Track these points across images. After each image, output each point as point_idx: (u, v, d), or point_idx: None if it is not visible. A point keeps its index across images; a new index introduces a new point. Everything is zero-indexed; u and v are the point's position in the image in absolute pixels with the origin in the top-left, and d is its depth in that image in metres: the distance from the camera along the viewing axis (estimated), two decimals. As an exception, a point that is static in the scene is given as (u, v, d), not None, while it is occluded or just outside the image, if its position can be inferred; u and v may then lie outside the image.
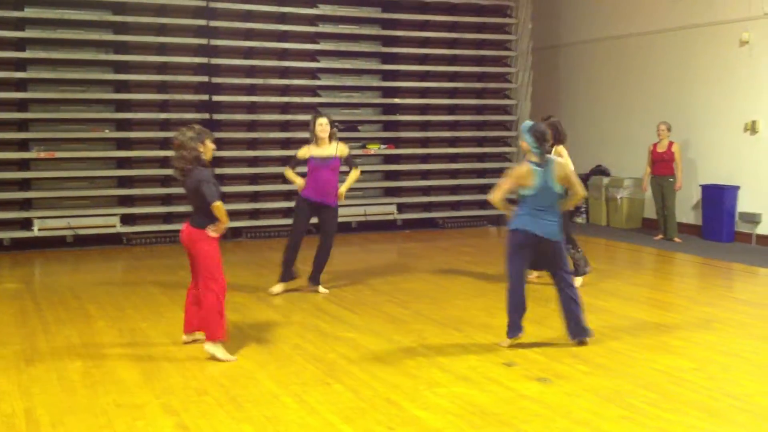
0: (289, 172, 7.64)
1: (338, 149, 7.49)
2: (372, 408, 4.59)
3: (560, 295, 5.84)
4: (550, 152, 5.79)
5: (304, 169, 7.58)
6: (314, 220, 7.68)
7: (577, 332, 5.81)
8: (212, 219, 5.56)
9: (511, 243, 5.73)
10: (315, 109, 11.79)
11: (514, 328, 5.78)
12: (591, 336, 5.85)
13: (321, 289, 7.67)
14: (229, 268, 9.00)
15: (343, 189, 7.61)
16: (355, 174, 7.68)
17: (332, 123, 7.52)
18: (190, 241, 5.60)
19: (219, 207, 5.50)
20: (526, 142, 5.64)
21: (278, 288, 7.58)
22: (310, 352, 5.70)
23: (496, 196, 5.67)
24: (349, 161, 7.62)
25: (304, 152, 7.49)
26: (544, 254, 5.75)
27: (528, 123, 5.76)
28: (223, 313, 5.57)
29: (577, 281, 7.30)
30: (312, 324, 6.53)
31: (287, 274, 7.61)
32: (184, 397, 4.78)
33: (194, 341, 5.86)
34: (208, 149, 5.64)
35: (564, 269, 5.84)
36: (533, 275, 7.82)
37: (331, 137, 7.45)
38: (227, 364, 5.41)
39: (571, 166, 6.79)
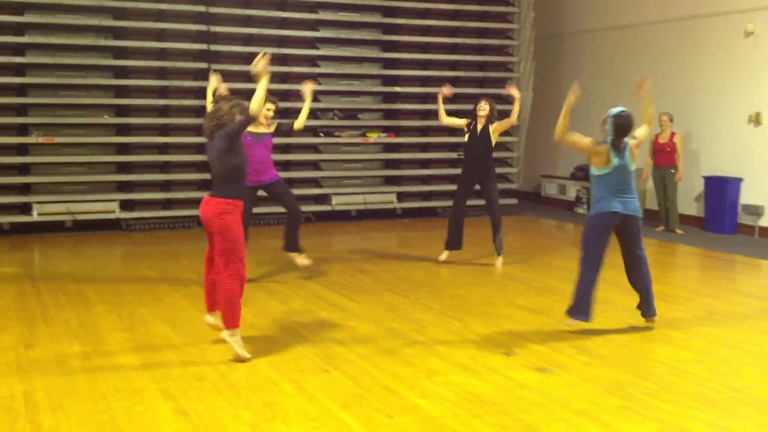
0: None
1: (272, 127, 7.46)
2: (371, 395, 4.58)
3: (636, 273, 5.94)
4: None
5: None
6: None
7: (649, 312, 6.02)
8: (236, 188, 5.23)
9: (594, 225, 5.78)
10: (317, 99, 11.75)
11: (585, 310, 5.81)
12: (656, 315, 6.04)
13: (301, 259, 7.74)
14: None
15: (300, 117, 7.62)
16: (307, 101, 7.68)
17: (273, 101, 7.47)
18: (212, 213, 5.16)
19: (259, 99, 5.27)
20: (607, 127, 5.73)
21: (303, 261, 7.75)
22: (309, 340, 5.69)
23: (560, 126, 5.79)
24: (282, 126, 7.58)
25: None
26: (627, 231, 5.81)
27: (618, 110, 5.76)
28: (241, 295, 5.23)
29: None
30: (311, 311, 6.51)
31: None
32: (182, 382, 4.76)
33: (219, 327, 5.37)
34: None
35: (640, 247, 5.92)
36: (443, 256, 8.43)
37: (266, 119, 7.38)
38: (226, 350, 5.36)
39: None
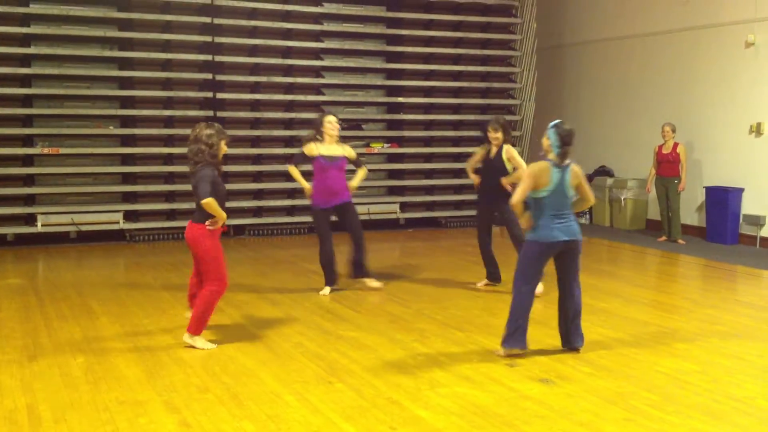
0: (295, 171, 7.57)
1: (345, 150, 7.48)
2: (374, 407, 4.59)
3: (571, 298, 5.63)
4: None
5: (308, 167, 7.55)
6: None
7: (576, 342, 5.69)
8: (211, 215, 5.63)
9: (532, 253, 5.51)
10: (321, 110, 11.80)
11: (520, 338, 5.54)
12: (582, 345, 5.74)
13: (372, 282, 7.70)
14: (231, 265, 9.01)
15: (354, 183, 7.58)
16: (362, 173, 7.66)
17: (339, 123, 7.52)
18: (192, 237, 5.67)
19: (208, 204, 5.54)
20: (550, 140, 5.49)
21: (326, 291, 7.56)
22: (312, 351, 5.70)
23: (517, 199, 5.46)
24: (357, 162, 7.62)
25: (311, 149, 7.40)
26: (566, 255, 5.54)
27: (556, 121, 5.57)
28: (212, 311, 5.81)
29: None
30: (314, 322, 6.52)
31: (331, 277, 7.58)
32: (186, 394, 4.78)
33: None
34: (221, 149, 5.70)
35: (578, 270, 5.65)
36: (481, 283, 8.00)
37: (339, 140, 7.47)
38: (230, 362, 5.41)
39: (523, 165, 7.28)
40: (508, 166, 7.56)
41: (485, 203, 7.80)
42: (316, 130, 7.42)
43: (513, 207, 5.56)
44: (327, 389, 4.88)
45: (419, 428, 4.30)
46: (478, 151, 7.84)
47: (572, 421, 4.40)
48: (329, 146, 7.39)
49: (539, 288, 7.10)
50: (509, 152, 7.55)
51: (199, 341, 5.75)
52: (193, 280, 6.06)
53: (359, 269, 7.69)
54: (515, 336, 5.53)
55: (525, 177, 5.52)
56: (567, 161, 5.52)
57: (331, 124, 7.37)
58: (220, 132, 5.67)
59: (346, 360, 5.49)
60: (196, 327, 5.73)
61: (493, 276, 7.92)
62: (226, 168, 11.19)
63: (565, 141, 5.45)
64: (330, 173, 7.35)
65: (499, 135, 7.54)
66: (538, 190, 5.46)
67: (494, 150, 7.62)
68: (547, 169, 5.45)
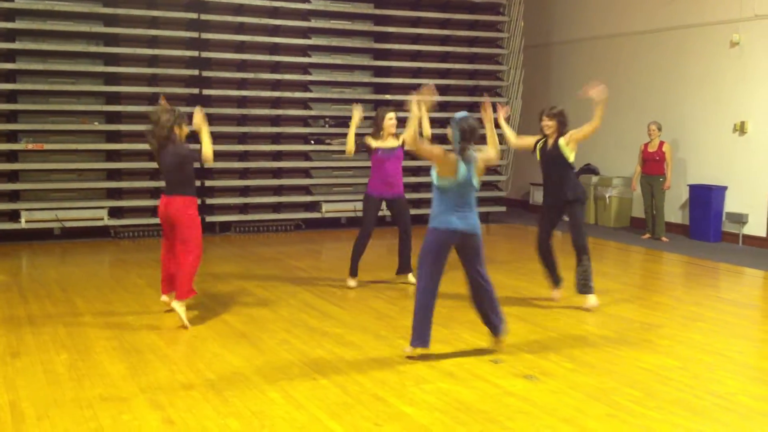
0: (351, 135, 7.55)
1: (399, 140, 7.54)
2: (359, 403, 4.60)
3: (482, 294, 5.52)
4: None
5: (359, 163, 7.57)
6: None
7: (498, 331, 5.60)
8: (194, 188, 6.34)
9: (428, 242, 5.38)
10: (308, 107, 11.79)
11: (424, 336, 5.38)
12: (506, 333, 5.65)
13: (411, 277, 7.72)
14: (217, 262, 9.05)
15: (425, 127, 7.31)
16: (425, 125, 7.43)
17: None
18: (180, 209, 6.20)
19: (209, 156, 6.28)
20: (452, 133, 5.35)
21: (353, 282, 7.67)
22: (297, 348, 5.71)
23: (410, 134, 5.30)
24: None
25: (371, 142, 7.54)
26: (466, 249, 5.44)
27: (460, 115, 5.39)
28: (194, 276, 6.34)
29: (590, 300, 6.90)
30: (299, 319, 6.53)
31: (354, 269, 7.69)
32: (170, 391, 4.77)
33: (171, 309, 6.35)
34: (183, 131, 6.37)
35: (483, 265, 5.51)
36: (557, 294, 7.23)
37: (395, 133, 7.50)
38: (214, 359, 5.40)
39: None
40: (570, 156, 6.84)
41: (551, 202, 7.02)
42: (377, 127, 7.51)
43: (407, 141, 5.39)
44: (312, 386, 4.89)
45: (404, 424, 4.32)
46: (530, 140, 7.13)
47: (555, 417, 4.43)
48: (386, 141, 7.52)
49: (593, 300, 6.86)
50: (570, 136, 6.84)
51: (184, 311, 6.16)
52: (167, 261, 6.47)
53: (402, 266, 7.78)
54: (420, 335, 5.38)
55: (439, 149, 5.33)
56: (470, 154, 5.35)
57: (391, 120, 7.47)
58: (180, 117, 6.33)
59: (331, 357, 5.50)
60: (186, 292, 6.21)
61: (552, 281, 7.20)
62: (212, 166, 11.17)
63: (467, 136, 5.33)
64: (387, 164, 7.48)
65: (552, 123, 6.85)
66: (445, 178, 5.33)
67: (550, 141, 6.91)
68: (455, 162, 5.31)
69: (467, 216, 5.38)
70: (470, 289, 5.57)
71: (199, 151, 6.27)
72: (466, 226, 5.36)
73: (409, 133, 5.35)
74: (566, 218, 7.01)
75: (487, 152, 5.59)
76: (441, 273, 5.41)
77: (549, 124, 6.90)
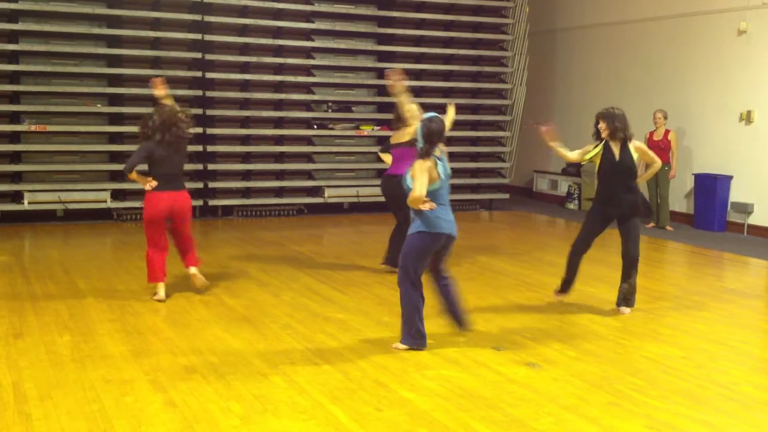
0: (386, 157, 7.73)
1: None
2: (360, 389, 4.60)
3: (444, 288, 5.55)
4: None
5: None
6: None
7: (466, 323, 5.62)
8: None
9: (419, 245, 5.27)
10: (311, 91, 11.72)
11: (420, 336, 5.35)
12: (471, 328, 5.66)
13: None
14: (219, 246, 9.04)
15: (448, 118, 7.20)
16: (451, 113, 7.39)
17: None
18: (188, 205, 6.55)
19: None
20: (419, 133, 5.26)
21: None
22: (299, 332, 5.70)
23: (420, 192, 5.12)
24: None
25: (397, 138, 7.37)
26: (444, 251, 5.41)
27: (429, 115, 5.33)
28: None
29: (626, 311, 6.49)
30: (302, 304, 6.52)
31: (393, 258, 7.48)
32: (172, 374, 4.77)
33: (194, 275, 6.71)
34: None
35: (445, 263, 5.52)
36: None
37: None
38: (217, 342, 5.40)
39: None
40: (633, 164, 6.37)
41: (604, 210, 6.46)
42: (397, 118, 7.44)
43: (418, 201, 5.15)
44: (314, 370, 4.89)
45: (405, 410, 4.31)
46: (592, 152, 6.55)
47: (558, 405, 4.43)
48: (405, 135, 7.22)
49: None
50: (638, 148, 6.41)
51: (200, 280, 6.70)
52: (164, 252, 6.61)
53: (393, 258, 7.63)
54: (415, 337, 5.34)
55: (420, 172, 5.16)
56: (439, 153, 5.26)
57: (410, 113, 7.27)
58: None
59: (333, 342, 5.50)
60: (196, 259, 6.74)
61: (564, 285, 6.74)
62: (214, 148, 11.15)
63: (431, 138, 5.20)
64: (412, 159, 7.31)
65: (605, 125, 6.39)
66: (433, 182, 5.20)
67: (616, 146, 6.41)
68: (433, 166, 5.21)
69: (450, 217, 5.33)
70: (438, 288, 5.57)
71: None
72: (453, 230, 5.33)
73: (420, 192, 5.14)
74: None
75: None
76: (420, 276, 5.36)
77: (603, 126, 6.40)
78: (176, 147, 6.39)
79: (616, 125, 6.34)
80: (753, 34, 10.61)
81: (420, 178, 5.16)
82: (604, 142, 6.45)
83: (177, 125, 6.34)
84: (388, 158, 7.70)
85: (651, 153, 6.51)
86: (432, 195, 5.22)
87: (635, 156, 6.37)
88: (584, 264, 6.88)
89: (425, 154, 5.21)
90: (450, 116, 7.20)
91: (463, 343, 5.51)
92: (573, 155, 6.65)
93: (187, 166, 10.98)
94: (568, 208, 13.04)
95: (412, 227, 5.30)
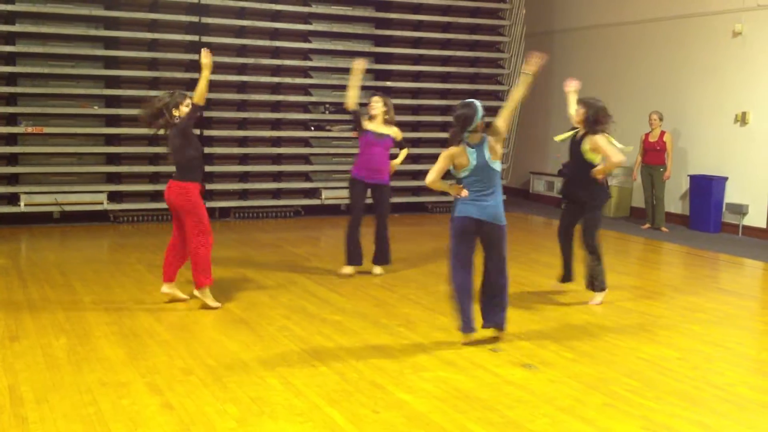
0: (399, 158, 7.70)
1: (392, 130, 7.52)
2: (357, 391, 4.60)
3: (489, 282, 5.53)
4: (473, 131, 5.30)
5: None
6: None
7: (500, 321, 5.59)
8: (195, 174, 6.16)
9: (451, 230, 5.44)
10: (308, 93, 11.73)
11: (468, 322, 5.43)
12: (504, 330, 5.65)
13: (376, 270, 7.70)
14: (216, 248, 8.98)
15: (397, 161, 7.66)
16: (405, 152, 7.77)
17: (388, 105, 7.51)
18: (179, 194, 6.11)
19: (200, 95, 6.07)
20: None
21: (347, 270, 7.58)
22: (296, 334, 5.71)
23: (430, 178, 5.34)
24: (401, 144, 7.66)
25: (365, 123, 7.50)
26: (484, 238, 5.43)
27: (467, 101, 5.38)
28: (210, 260, 6.26)
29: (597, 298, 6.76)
30: (299, 306, 6.53)
31: (352, 255, 7.58)
32: (169, 376, 4.77)
33: (173, 300, 6.45)
34: (182, 111, 6.18)
35: (502, 255, 5.48)
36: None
37: (387, 120, 7.47)
38: (213, 345, 5.41)
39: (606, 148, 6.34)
40: (592, 157, 6.50)
41: (566, 198, 6.95)
42: (369, 113, 7.54)
43: (429, 185, 5.38)
44: (311, 373, 4.89)
45: (402, 412, 4.32)
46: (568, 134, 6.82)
47: (554, 406, 4.44)
48: (378, 125, 7.46)
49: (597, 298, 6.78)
50: (593, 142, 6.46)
51: (209, 297, 6.26)
52: (172, 249, 6.37)
53: (379, 256, 7.72)
54: (460, 317, 5.46)
55: (440, 158, 5.38)
56: (481, 137, 5.32)
57: (378, 103, 7.45)
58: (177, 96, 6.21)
59: (330, 344, 5.50)
60: (203, 280, 6.20)
61: (564, 275, 7.06)
62: (212, 150, 11.15)
63: (457, 123, 5.29)
64: (375, 150, 7.45)
65: (582, 110, 6.54)
66: (461, 169, 5.33)
67: (579, 133, 6.64)
68: (462, 151, 5.29)
69: (488, 204, 5.34)
70: (483, 277, 5.58)
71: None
72: (483, 214, 5.33)
73: (430, 178, 5.34)
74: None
75: (495, 123, 5.40)
76: (468, 259, 5.40)
77: (580, 111, 6.53)
78: (168, 130, 6.23)
79: (589, 114, 6.45)
80: (748, 35, 10.64)
81: (437, 164, 5.34)
82: (576, 129, 6.66)
83: (149, 104, 6.25)
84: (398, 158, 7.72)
85: (605, 149, 6.36)
86: (461, 181, 5.36)
87: (586, 147, 6.47)
88: (579, 267, 6.91)
89: (453, 140, 5.32)
90: (399, 158, 7.68)
91: (460, 344, 5.52)
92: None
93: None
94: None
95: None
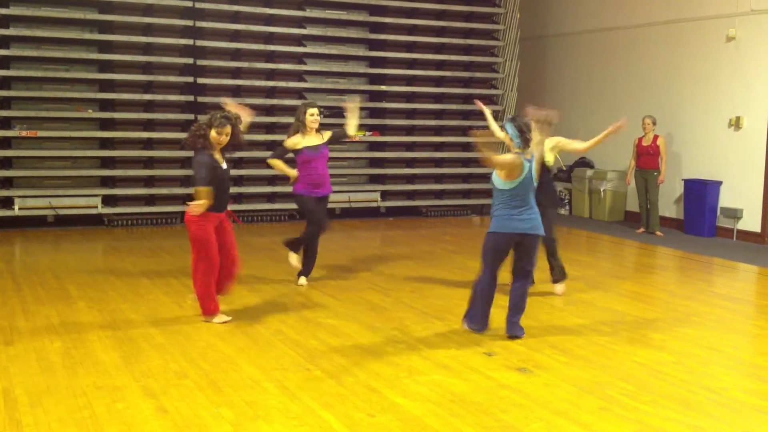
0: (278, 163, 7.37)
1: (324, 136, 7.27)
2: (352, 395, 4.60)
3: (518, 287, 5.80)
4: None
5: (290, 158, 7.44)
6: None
7: (518, 329, 5.81)
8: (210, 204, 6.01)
9: (490, 245, 5.69)
10: (303, 97, 11.73)
11: (475, 320, 5.84)
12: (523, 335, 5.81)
13: (302, 280, 7.44)
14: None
15: (352, 124, 7.33)
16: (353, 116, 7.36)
17: (321, 112, 7.37)
18: (186, 221, 6.03)
19: (200, 192, 5.83)
20: (509, 134, 5.58)
21: (302, 281, 7.40)
22: (291, 338, 5.70)
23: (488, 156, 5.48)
24: (339, 133, 7.36)
25: (293, 142, 7.19)
26: (522, 247, 5.69)
27: (512, 116, 5.78)
28: (213, 291, 6.03)
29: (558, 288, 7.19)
30: (294, 310, 6.52)
31: (307, 267, 7.43)
32: (163, 380, 4.76)
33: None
34: (219, 137, 6.08)
35: (533, 263, 5.80)
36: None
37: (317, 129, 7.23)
38: (208, 348, 5.40)
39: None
40: (548, 157, 6.90)
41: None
42: (299, 122, 7.20)
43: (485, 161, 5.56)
44: (306, 376, 4.89)
45: (397, 416, 4.32)
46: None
47: (549, 410, 4.44)
48: (310, 137, 7.21)
49: (560, 288, 7.18)
50: (557, 143, 6.98)
51: (215, 319, 6.06)
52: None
53: (294, 243, 7.44)
54: (472, 319, 5.86)
55: (511, 159, 5.52)
56: (532, 153, 5.65)
57: (312, 116, 7.15)
58: (212, 119, 6.01)
59: (325, 347, 5.50)
60: (205, 309, 6.03)
61: (554, 273, 7.28)
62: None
63: (523, 132, 5.55)
64: (315, 164, 7.19)
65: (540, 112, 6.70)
66: (508, 181, 5.55)
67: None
68: (521, 165, 5.54)
69: (530, 217, 5.60)
70: (512, 281, 5.84)
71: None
72: (528, 227, 5.60)
73: (496, 159, 5.52)
74: None
75: (569, 143, 6.24)
76: (498, 270, 5.79)
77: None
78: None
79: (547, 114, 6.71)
80: (742, 40, 10.69)
81: (502, 156, 5.58)
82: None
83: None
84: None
85: (575, 142, 7.08)
86: (503, 193, 5.57)
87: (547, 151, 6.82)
88: (573, 271, 6.92)
89: (525, 148, 5.56)
90: (351, 119, 7.33)
91: (455, 348, 5.53)
92: (581, 145, 7.14)
93: (178, 172, 11.06)
94: (559, 213, 13.07)
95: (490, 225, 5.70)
